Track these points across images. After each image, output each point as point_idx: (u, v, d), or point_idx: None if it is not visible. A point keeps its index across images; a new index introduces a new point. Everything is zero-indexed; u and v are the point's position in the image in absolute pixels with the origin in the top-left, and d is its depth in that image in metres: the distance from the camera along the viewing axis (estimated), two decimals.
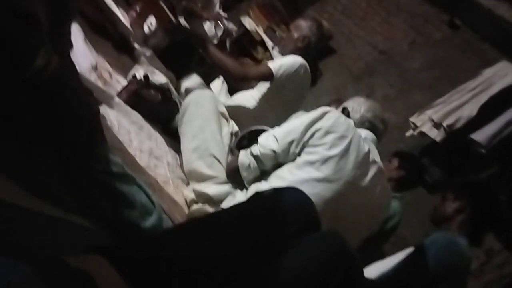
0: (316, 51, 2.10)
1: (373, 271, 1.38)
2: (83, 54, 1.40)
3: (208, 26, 2.89)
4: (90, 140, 0.79)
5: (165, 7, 1.81)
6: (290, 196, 0.82)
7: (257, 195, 0.83)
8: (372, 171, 1.33)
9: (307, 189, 1.17)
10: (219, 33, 2.94)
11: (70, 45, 1.01)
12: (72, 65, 0.83)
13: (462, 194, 1.58)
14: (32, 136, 0.71)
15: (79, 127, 0.75)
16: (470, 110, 2.72)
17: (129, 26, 1.97)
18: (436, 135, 2.77)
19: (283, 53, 2.02)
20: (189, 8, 2.61)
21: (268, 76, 1.83)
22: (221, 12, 2.94)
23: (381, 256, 1.61)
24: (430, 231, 1.56)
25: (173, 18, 1.81)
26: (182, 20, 2.47)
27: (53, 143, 0.74)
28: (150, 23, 1.83)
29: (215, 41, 2.94)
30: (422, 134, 2.85)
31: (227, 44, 3.05)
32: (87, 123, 0.77)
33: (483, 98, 2.72)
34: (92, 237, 0.83)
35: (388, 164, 2.15)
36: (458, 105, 2.79)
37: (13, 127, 0.68)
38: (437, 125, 2.78)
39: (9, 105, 0.65)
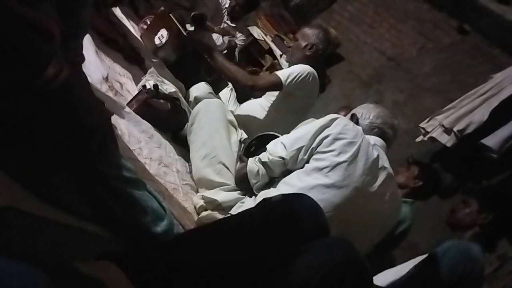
0: (324, 58, 2.11)
1: (384, 278, 1.37)
2: (95, 66, 1.43)
3: (216, 36, 2.94)
4: (103, 147, 0.79)
5: (175, 20, 1.84)
6: (299, 202, 0.82)
7: (266, 201, 0.84)
8: (381, 177, 1.32)
9: (316, 195, 1.18)
10: (228, 43, 2.98)
11: (81, 58, 1.04)
12: (83, 76, 0.85)
13: (488, 206, 1.56)
14: (44, 144, 0.72)
15: (91, 135, 0.75)
16: (481, 115, 2.69)
17: (139, 38, 2.02)
18: (446, 140, 2.74)
19: (291, 61, 2.03)
20: (198, 20, 2.66)
21: (277, 85, 1.84)
22: (230, 23, 2.99)
23: (392, 262, 1.59)
24: (441, 237, 1.54)
25: (183, 31, 1.85)
26: (191, 31, 2.51)
27: (65, 151, 0.75)
28: (161, 35, 1.86)
29: (224, 51, 2.98)
30: (433, 139, 2.83)
31: (236, 53, 3.09)
32: (98, 131, 0.78)
33: (494, 102, 2.70)
34: (104, 244, 0.84)
35: (406, 170, 2.12)
36: (469, 110, 2.77)
37: (25, 136, 0.69)
38: (447, 131, 2.75)
39: (20, 114, 0.66)
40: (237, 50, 3.10)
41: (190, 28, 2.72)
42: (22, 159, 0.73)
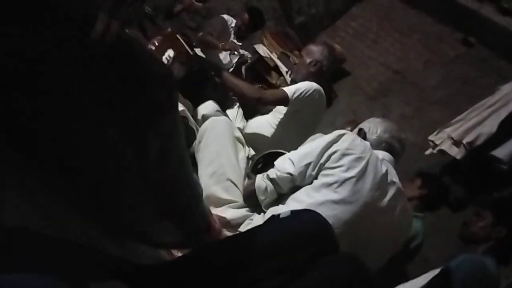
0: (329, 74, 2.13)
1: None
2: None
3: (223, 55, 2.98)
4: (171, 99, 0.72)
5: (182, 40, 1.88)
6: (307, 218, 0.82)
7: (274, 218, 0.84)
8: (391, 192, 1.31)
9: (325, 211, 1.17)
10: (234, 61, 3.02)
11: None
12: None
13: (502, 220, 1.53)
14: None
15: (159, 84, 0.68)
16: (490, 126, 2.67)
17: None
18: (456, 153, 2.72)
19: (297, 78, 2.05)
20: (205, 40, 2.71)
21: (284, 100, 1.85)
22: (236, 41, 3.04)
23: (404, 277, 1.56)
24: (454, 251, 1.51)
25: (190, 51, 1.88)
26: (198, 51, 2.56)
27: (134, 106, 0.67)
28: (168, 55, 1.90)
29: (231, 69, 3.02)
30: (442, 152, 2.81)
31: (243, 71, 3.12)
32: (165, 80, 0.70)
33: (503, 114, 2.68)
34: (115, 264, 0.85)
35: (410, 183, 2.12)
36: (478, 122, 2.75)
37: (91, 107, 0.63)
38: (457, 143, 2.73)
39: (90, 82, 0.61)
40: (243, 68, 3.14)
41: (196, 47, 2.77)
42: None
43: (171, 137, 0.72)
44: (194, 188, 0.87)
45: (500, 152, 2.54)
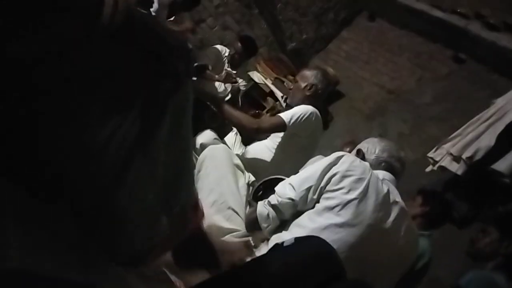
0: (324, 97, 2.15)
1: None
2: None
3: (218, 84, 3.02)
4: (188, 70, 0.68)
5: None
6: (312, 246, 0.81)
7: (277, 246, 0.82)
8: (394, 212, 1.30)
9: (329, 236, 1.15)
10: (229, 89, 3.06)
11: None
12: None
13: (508, 234, 1.52)
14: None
15: (177, 54, 0.66)
16: (488, 140, 2.68)
17: None
18: (457, 168, 2.71)
19: (293, 102, 2.07)
20: (200, 71, 2.75)
21: (281, 126, 1.87)
22: (230, 70, 3.08)
23: None
24: (464, 268, 1.49)
25: None
26: (194, 81, 2.58)
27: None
28: None
29: (227, 97, 3.05)
30: (443, 168, 2.80)
31: (239, 99, 3.15)
32: (183, 51, 0.68)
33: (500, 127, 2.69)
34: None
35: (412, 202, 2.11)
36: (475, 136, 2.76)
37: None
38: (456, 159, 2.73)
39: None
40: (239, 95, 3.18)
41: (192, 78, 2.81)
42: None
43: (184, 113, 0.70)
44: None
45: (501, 166, 2.54)
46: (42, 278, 0.72)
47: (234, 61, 3.12)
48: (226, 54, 3.12)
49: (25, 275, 0.69)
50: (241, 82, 3.26)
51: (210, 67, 2.80)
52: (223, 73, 2.86)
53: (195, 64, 2.81)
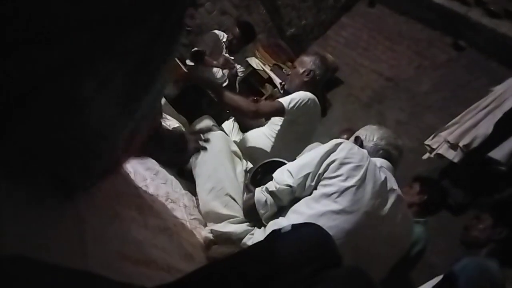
0: (322, 83, 2.14)
1: None
2: None
3: (216, 70, 2.99)
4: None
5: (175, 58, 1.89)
6: (309, 233, 0.81)
7: (274, 233, 0.82)
8: (391, 200, 1.31)
9: (326, 222, 1.16)
10: (227, 75, 3.03)
11: None
12: None
13: (501, 221, 1.53)
14: None
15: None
16: (486, 128, 2.68)
17: None
18: (453, 156, 2.73)
19: (290, 88, 2.06)
20: (198, 56, 2.72)
21: (280, 110, 1.86)
22: (228, 56, 3.05)
23: (409, 284, 1.55)
24: (458, 255, 1.50)
25: (183, 67, 1.88)
26: (191, 67, 2.56)
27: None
28: None
29: (225, 83, 3.03)
30: (439, 156, 2.82)
31: (236, 85, 3.13)
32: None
33: (497, 115, 2.69)
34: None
35: (409, 189, 2.12)
36: (473, 124, 2.77)
37: None
38: (453, 146, 2.74)
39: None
40: (237, 81, 3.15)
41: (189, 63, 2.78)
42: None
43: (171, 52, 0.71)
44: None
45: (497, 154, 2.55)
46: (38, 264, 0.72)
47: (232, 47, 3.09)
48: (224, 39, 3.09)
49: (21, 262, 0.69)
50: (239, 68, 3.23)
51: (207, 53, 2.77)
52: (221, 58, 2.83)
53: (193, 50, 2.78)
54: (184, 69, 1.88)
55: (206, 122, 2.01)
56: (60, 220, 0.82)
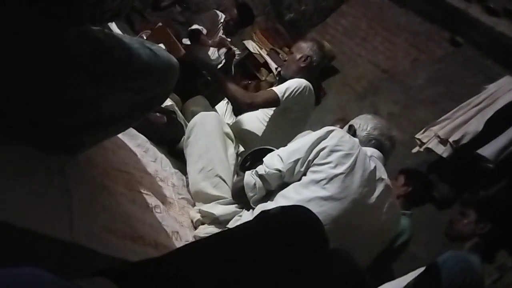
0: (318, 71, 2.13)
1: None
2: None
3: (212, 51, 2.96)
4: None
5: (172, 35, 1.85)
6: (297, 214, 0.81)
7: (264, 213, 0.83)
8: (379, 189, 1.32)
9: (313, 208, 1.16)
10: (223, 57, 3.00)
11: None
12: None
13: (486, 216, 1.55)
14: None
15: None
16: (476, 125, 2.71)
17: None
18: (442, 151, 2.75)
19: (286, 73, 2.05)
20: (194, 35, 2.68)
21: (274, 101, 1.84)
22: (225, 37, 3.01)
23: (391, 274, 1.58)
24: (441, 248, 1.53)
25: (179, 45, 1.85)
26: (188, 46, 2.53)
27: None
28: None
29: (220, 65, 3.00)
30: (429, 150, 2.84)
31: (232, 67, 3.09)
32: None
33: (489, 113, 2.72)
34: (99, 261, 0.83)
35: (394, 181, 2.14)
36: (464, 120, 2.79)
37: None
38: (443, 141, 2.77)
39: None
40: (232, 64, 3.11)
41: (186, 42, 2.74)
42: None
43: None
44: None
45: (486, 151, 2.58)
46: (22, 231, 0.71)
47: (229, 28, 3.04)
48: (222, 20, 3.04)
49: (4, 228, 0.69)
50: (235, 51, 3.19)
51: (204, 32, 2.73)
52: (217, 38, 2.79)
53: (190, 28, 2.73)
54: (181, 48, 1.85)
55: (199, 102, 1.99)
56: (48, 191, 0.81)
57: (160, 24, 2.04)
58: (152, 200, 1.18)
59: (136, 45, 0.85)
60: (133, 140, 1.44)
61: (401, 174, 2.18)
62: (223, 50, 2.95)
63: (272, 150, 1.49)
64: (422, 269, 1.38)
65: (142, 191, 1.17)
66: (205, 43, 2.73)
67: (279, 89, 1.86)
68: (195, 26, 2.76)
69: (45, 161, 0.86)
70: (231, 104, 2.29)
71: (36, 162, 0.84)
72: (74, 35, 0.74)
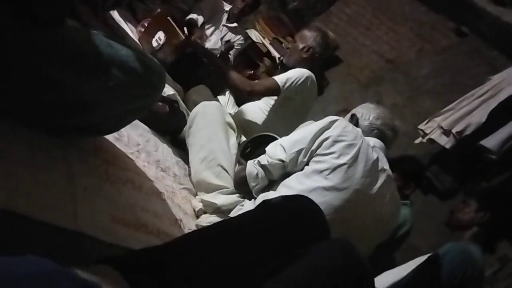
0: (321, 61, 2.11)
1: (383, 280, 1.36)
2: None
3: (214, 39, 2.94)
4: None
5: (173, 23, 1.84)
6: (299, 203, 0.82)
7: (265, 203, 0.83)
8: (381, 179, 1.32)
9: (315, 198, 1.16)
10: (225, 44, 2.98)
11: None
12: None
13: (486, 205, 1.55)
14: None
15: None
16: (480, 116, 2.69)
17: (137, 41, 2.01)
18: (445, 142, 2.75)
19: (289, 63, 2.04)
20: (191, 24, 2.66)
21: (275, 90, 1.84)
22: (229, 24, 2.99)
23: (391, 264, 1.58)
24: (442, 239, 1.53)
25: (181, 33, 1.84)
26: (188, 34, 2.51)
27: None
28: (159, 37, 1.86)
29: (218, 54, 2.98)
30: (431, 141, 2.83)
31: (231, 56, 3.07)
32: None
33: (492, 104, 2.70)
34: (100, 248, 0.84)
35: None
36: (467, 111, 2.77)
37: None
38: (446, 132, 2.76)
39: None
40: (232, 53, 3.09)
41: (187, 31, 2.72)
42: None
43: None
44: None
45: (489, 142, 2.57)
46: (26, 219, 0.72)
47: (233, 17, 3.02)
48: (227, 8, 3.01)
49: (8, 217, 0.69)
50: (238, 39, 3.17)
51: (200, 21, 2.71)
52: (199, 32, 2.74)
53: (187, 18, 2.71)
54: (183, 36, 1.84)
55: (201, 92, 1.99)
56: (52, 180, 0.81)
57: (159, 11, 2.02)
58: (156, 188, 1.19)
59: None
60: (135, 129, 1.44)
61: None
62: (227, 37, 2.93)
63: (273, 137, 1.49)
64: (422, 257, 1.39)
65: (146, 178, 1.18)
66: (199, 37, 2.70)
67: (280, 78, 1.85)
68: (191, 16, 2.74)
69: (49, 150, 0.86)
70: (232, 93, 2.28)
71: (40, 151, 0.84)
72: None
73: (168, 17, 1.87)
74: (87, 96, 0.83)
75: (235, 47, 3.10)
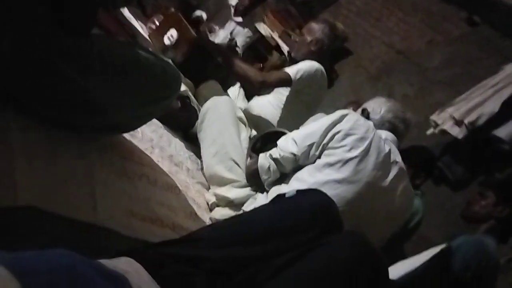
0: (330, 53, 2.11)
1: (395, 271, 1.37)
2: None
3: (224, 34, 2.93)
4: None
5: (184, 20, 1.85)
6: (312, 198, 0.83)
7: (279, 197, 0.85)
8: (393, 172, 1.32)
9: (327, 191, 1.17)
10: (228, 41, 2.97)
11: None
12: None
13: (504, 199, 1.54)
14: None
15: None
16: (492, 106, 2.66)
17: (148, 38, 2.03)
18: (457, 132, 2.72)
19: (297, 56, 2.04)
20: (196, 22, 2.66)
21: (287, 81, 1.85)
22: (236, 19, 2.98)
23: (403, 255, 1.59)
24: (454, 230, 1.53)
25: (192, 30, 1.85)
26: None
27: None
28: (171, 35, 1.87)
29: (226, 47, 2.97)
30: (443, 132, 2.81)
31: (239, 50, 3.06)
32: None
33: (505, 94, 2.66)
34: (121, 242, 0.86)
35: None
36: (480, 101, 2.74)
37: None
38: (458, 123, 2.73)
39: None
40: (240, 47, 3.08)
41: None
42: None
43: None
44: None
45: (502, 132, 2.55)
46: (49, 215, 0.75)
47: (240, 11, 3.01)
48: (233, 3, 3.01)
49: (33, 212, 0.72)
50: (246, 33, 3.16)
51: (204, 18, 2.71)
52: (206, 27, 2.73)
53: (194, 15, 2.71)
54: (193, 32, 1.85)
55: (212, 86, 2.00)
56: (71, 176, 0.84)
57: (172, 9, 2.03)
58: (170, 182, 1.22)
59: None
60: (148, 126, 1.46)
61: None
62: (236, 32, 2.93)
63: (283, 133, 1.50)
64: (435, 249, 1.39)
65: (160, 173, 1.21)
66: (209, 30, 2.70)
67: (291, 70, 1.86)
68: (196, 13, 2.74)
69: (68, 146, 0.89)
70: (243, 87, 2.29)
71: (59, 148, 0.87)
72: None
73: (180, 15, 1.88)
74: (112, 99, 0.88)
75: (237, 44, 3.09)
